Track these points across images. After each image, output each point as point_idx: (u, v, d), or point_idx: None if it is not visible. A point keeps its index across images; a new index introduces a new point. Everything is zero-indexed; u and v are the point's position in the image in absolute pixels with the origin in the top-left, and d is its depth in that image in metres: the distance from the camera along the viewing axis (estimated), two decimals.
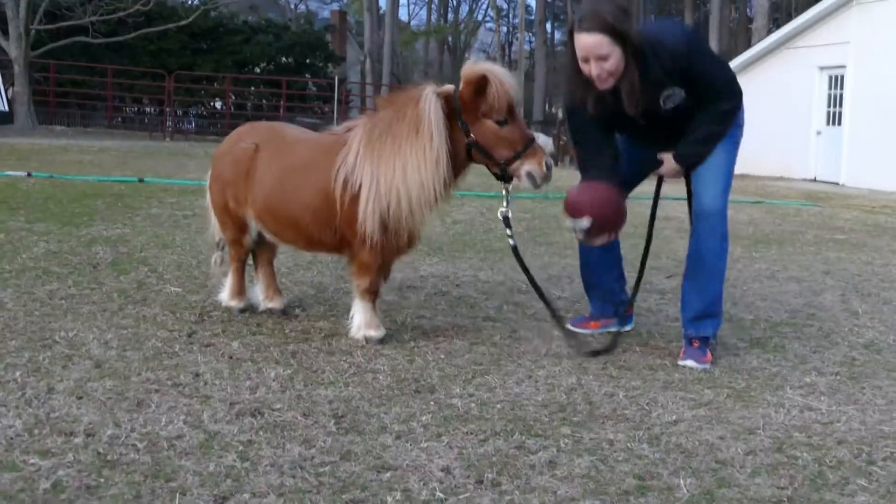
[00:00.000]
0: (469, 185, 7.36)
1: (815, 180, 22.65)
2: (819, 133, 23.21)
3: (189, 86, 30.02)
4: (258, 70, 33.70)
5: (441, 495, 3.10)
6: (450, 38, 63.83)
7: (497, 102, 4.55)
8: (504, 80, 4.57)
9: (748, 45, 28.41)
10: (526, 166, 4.64)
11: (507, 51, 60.84)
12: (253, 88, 33.07)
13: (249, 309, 5.42)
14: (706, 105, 4.77)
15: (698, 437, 3.78)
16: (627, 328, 5.42)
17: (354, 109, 36.44)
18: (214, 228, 5.49)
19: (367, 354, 4.70)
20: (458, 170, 4.76)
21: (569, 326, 5.40)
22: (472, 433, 3.68)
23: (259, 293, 5.45)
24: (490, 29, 60.85)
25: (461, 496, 3.11)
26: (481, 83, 4.55)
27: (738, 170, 18.11)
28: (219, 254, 5.54)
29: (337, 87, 30.37)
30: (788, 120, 23.64)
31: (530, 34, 53.07)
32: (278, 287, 5.54)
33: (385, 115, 4.77)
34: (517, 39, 49.78)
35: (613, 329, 5.35)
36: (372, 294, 4.94)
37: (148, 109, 32.98)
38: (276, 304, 5.43)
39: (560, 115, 56.10)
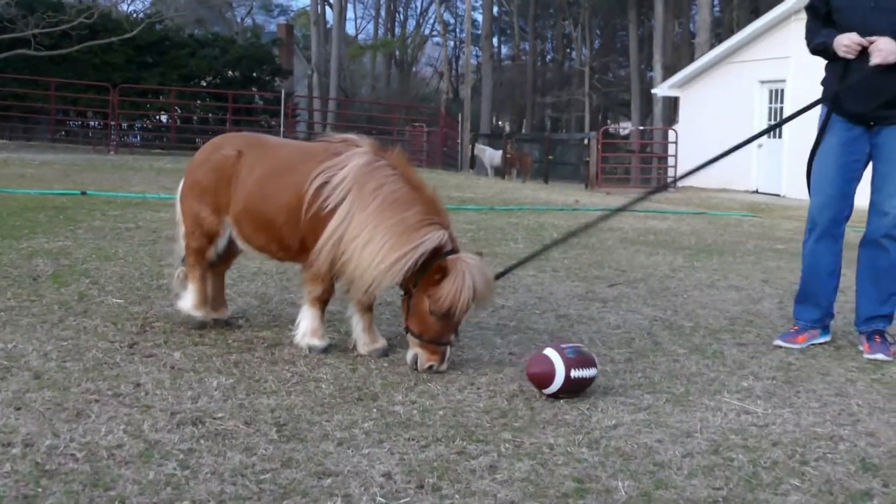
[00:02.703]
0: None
1: (756, 192, 23.02)
2: (760, 146, 23.57)
3: (134, 99, 29.72)
4: (204, 84, 33.47)
5: (382, 500, 3.12)
6: (397, 52, 63.91)
7: (440, 303, 4.50)
8: (461, 294, 4.48)
9: (691, 60, 28.82)
10: (419, 350, 4.63)
11: (454, 65, 61.07)
12: (199, 102, 32.80)
13: (215, 320, 5.35)
14: None
15: (637, 440, 3.83)
16: (828, 338, 5.69)
17: (302, 123, 36.37)
18: (181, 241, 5.38)
19: (310, 364, 4.71)
20: None
21: (777, 342, 5.57)
22: (413, 439, 3.71)
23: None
24: (437, 43, 61.04)
25: (402, 501, 3.13)
26: (441, 276, 4.52)
27: (680, 182, 18.33)
28: (182, 269, 5.40)
29: (284, 100, 30.24)
30: (730, 133, 23.79)
31: (477, 48, 53.33)
32: (224, 299, 5.53)
33: (390, 181, 4.69)
34: (464, 54, 50.07)
35: (819, 341, 5.61)
36: (321, 302, 4.93)
37: (92, 123, 32.58)
38: (220, 314, 5.39)
39: (507, 128, 56.51)
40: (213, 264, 5.35)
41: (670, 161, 25.68)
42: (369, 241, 4.54)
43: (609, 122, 55.18)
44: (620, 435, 3.89)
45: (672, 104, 32.46)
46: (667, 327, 5.92)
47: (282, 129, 29.31)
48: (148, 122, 33.10)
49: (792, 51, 22.20)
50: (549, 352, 4.35)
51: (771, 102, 23.44)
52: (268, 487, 3.17)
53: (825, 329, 5.67)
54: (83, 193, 12.20)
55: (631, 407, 4.28)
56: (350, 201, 4.62)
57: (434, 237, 4.56)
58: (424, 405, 4.16)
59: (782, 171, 22.45)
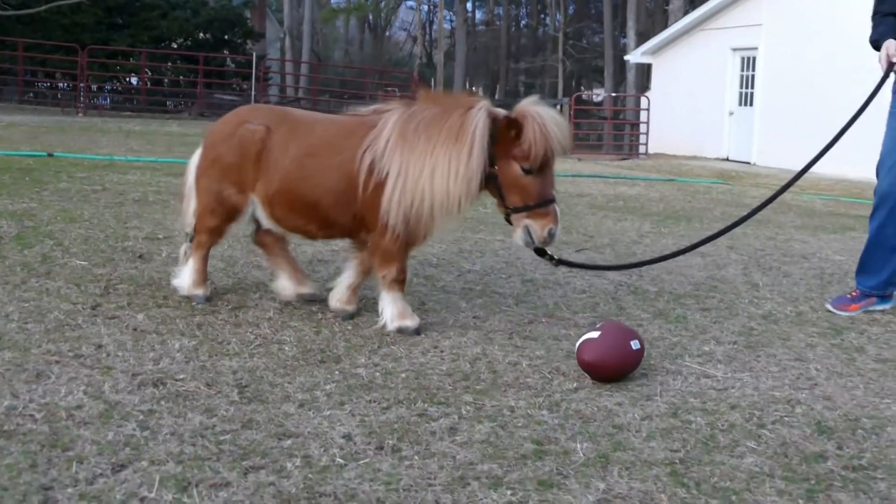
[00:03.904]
0: None
1: (727, 159, 23.08)
2: (732, 113, 23.65)
3: (104, 61, 29.34)
4: (175, 46, 33.10)
5: (341, 461, 3.14)
6: (370, 16, 63.42)
7: (531, 152, 4.37)
8: (546, 132, 4.36)
9: (665, 27, 28.75)
10: (529, 221, 4.48)
11: (427, 30, 60.74)
12: (170, 64, 32.46)
13: (213, 297, 5.18)
14: None
15: (597, 403, 3.87)
16: (888, 305, 5.78)
17: (274, 87, 36.09)
18: (189, 217, 5.16)
19: (274, 326, 4.71)
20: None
21: (828, 307, 5.68)
22: (375, 401, 3.72)
23: (286, 282, 5.15)
24: (411, 7, 60.68)
25: (361, 461, 3.15)
26: (519, 128, 4.40)
27: (652, 149, 18.43)
28: (188, 245, 5.21)
29: (255, 63, 29.97)
30: (702, 100, 24.06)
31: (451, 13, 53.06)
32: (304, 270, 5.36)
33: (425, 112, 4.59)
34: (438, 18, 49.82)
35: (877, 308, 5.71)
36: (399, 283, 4.77)
37: (61, 84, 32.17)
38: (308, 288, 5.17)
39: (480, 94, 56.27)
40: (269, 244, 5.20)
41: (642, 128, 25.71)
42: (434, 169, 4.42)
43: (582, 88, 55.08)
44: (581, 398, 3.93)
45: (645, 71, 32.44)
46: (632, 292, 5.95)
47: (253, 92, 29.07)
48: (118, 84, 32.71)
49: (764, 19, 22.28)
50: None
51: (743, 70, 23.46)
52: (227, 448, 3.18)
53: (883, 297, 5.74)
54: (50, 155, 12.07)
55: None
56: (399, 153, 4.51)
57: (479, 113, 4.43)
58: (387, 368, 4.17)
59: (753, 139, 22.53)
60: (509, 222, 4.63)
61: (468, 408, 3.72)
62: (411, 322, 4.75)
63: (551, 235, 4.48)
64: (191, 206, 5.13)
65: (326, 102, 31.82)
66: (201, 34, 33.38)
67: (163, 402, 3.55)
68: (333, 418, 3.51)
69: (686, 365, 4.46)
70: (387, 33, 65.71)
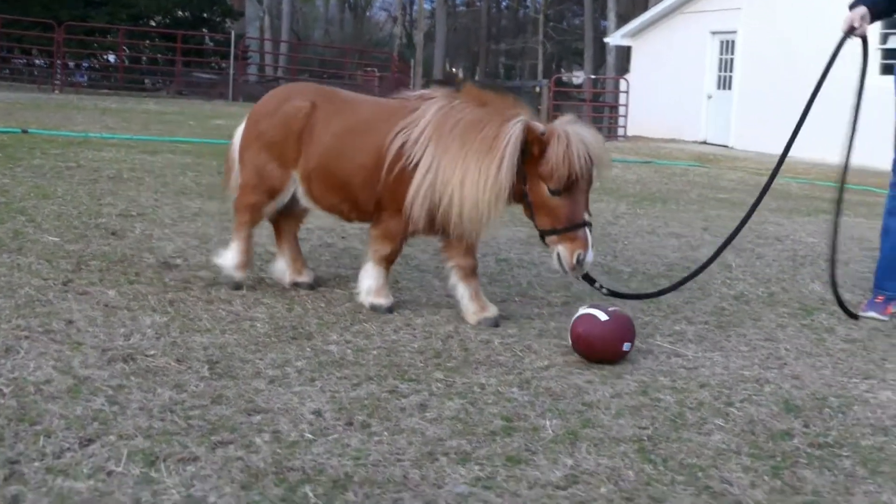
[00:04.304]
0: None
1: (705, 142, 23.16)
2: (710, 97, 23.72)
3: (81, 38, 29.12)
4: (153, 24, 32.89)
5: (310, 436, 3.14)
6: None
7: (554, 173, 4.22)
8: (570, 152, 4.20)
9: (645, 9, 28.75)
10: (560, 247, 4.32)
11: (408, 10, 60.51)
12: (148, 42, 32.25)
13: (296, 283, 5.07)
14: None
15: (568, 381, 3.89)
16: None
17: (253, 66, 35.91)
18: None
19: (247, 303, 4.70)
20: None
21: (870, 314, 5.31)
22: (345, 378, 3.73)
23: (284, 267, 5.11)
24: None
25: (330, 437, 3.15)
26: (544, 146, 4.26)
27: (630, 131, 18.49)
28: None
29: (234, 42, 29.81)
30: (681, 83, 24.11)
31: None
32: (304, 259, 5.26)
33: (464, 111, 4.48)
34: None
35: None
36: (388, 262, 4.75)
37: (38, 61, 31.90)
38: (305, 277, 5.12)
39: (460, 75, 56.24)
40: (282, 225, 5.14)
41: (621, 111, 25.75)
42: (464, 176, 4.31)
43: (563, 70, 55.09)
44: (552, 376, 3.94)
45: (625, 54, 32.46)
46: (605, 272, 5.97)
47: (231, 71, 28.92)
48: (95, 61, 32.47)
49: (743, 2, 22.32)
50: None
51: (722, 53, 23.52)
52: (196, 423, 3.17)
53: None
54: (24, 132, 11.98)
55: (564, 348, 4.33)
56: (432, 149, 4.42)
57: (514, 126, 4.28)
58: (359, 345, 4.18)
59: (731, 123, 22.62)
60: (545, 244, 4.49)
61: (439, 385, 3.73)
62: (385, 300, 4.74)
63: (580, 262, 4.27)
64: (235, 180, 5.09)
65: (306, 82, 31.69)
66: (180, 12, 33.20)
67: (132, 378, 3.54)
68: (304, 394, 3.52)
69: (657, 344, 4.48)
70: (367, 13, 65.56)
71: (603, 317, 4.14)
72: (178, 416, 3.22)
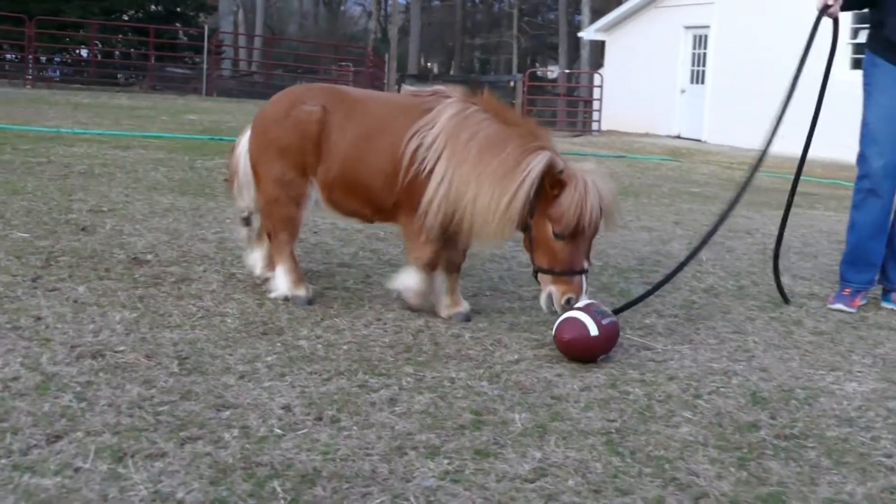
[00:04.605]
0: None
1: (679, 137, 23.27)
2: (683, 91, 23.82)
3: (53, 32, 28.88)
4: (126, 18, 32.67)
5: (279, 431, 3.15)
6: None
7: (563, 219, 4.12)
8: (585, 202, 4.11)
9: (619, 4, 28.83)
10: (551, 287, 4.22)
11: (383, 4, 60.38)
12: (121, 37, 32.04)
13: (315, 299, 4.83)
14: None
15: (537, 374, 3.91)
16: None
17: (227, 60, 35.75)
18: (244, 202, 4.97)
19: (217, 299, 4.70)
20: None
21: (830, 306, 5.38)
22: (315, 373, 3.73)
23: (259, 259, 4.99)
24: None
25: (299, 432, 3.15)
26: (561, 189, 4.16)
27: (604, 126, 18.56)
28: (248, 230, 5.05)
29: (208, 37, 29.67)
30: (654, 77, 24.20)
31: None
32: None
33: (482, 124, 4.36)
34: None
35: (864, 302, 5.46)
36: (431, 267, 4.58)
37: (9, 56, 31.63)
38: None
39: (435, 69, 56.18)
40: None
41: (595, 105, 25.82)
42: (477, 195, 4.19)
43: (537, 65, 55.15)
44: (522, 369, 3.96)
45: (599, 48, 32.55)
46: None
47: (205, 66, 28.78)
48: (67, 56, 32.25)
49: None
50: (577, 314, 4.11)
51: (695, 48, 23.63)
52: (165, 419, 3.17)
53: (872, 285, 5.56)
54: None
55: (534, 342, 4.35)
56: (447, 158, 4.31)
57: (539, 161, 4.16)
58: (329, 339, 4.18)
59: (704, 117, 22.73)
60: (536, 280, 4.41)
61: (409, 379, 3.74)
62: (422, 302, 4.66)
63: (568, 304, 4.18)
64: (245, 191, 4.92)
65: (280, 77, 31.59)
66: (153, 6, 33.00)
67: (101, 374, 3.53)
68: (273, 389, 3.52)
69: (627, 337, 4.51)
70: (341, 8, 65.35)
71: (593, 331, 4.03)
72: (147, 412, 3.21)
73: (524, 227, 4.30)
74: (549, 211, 4.17)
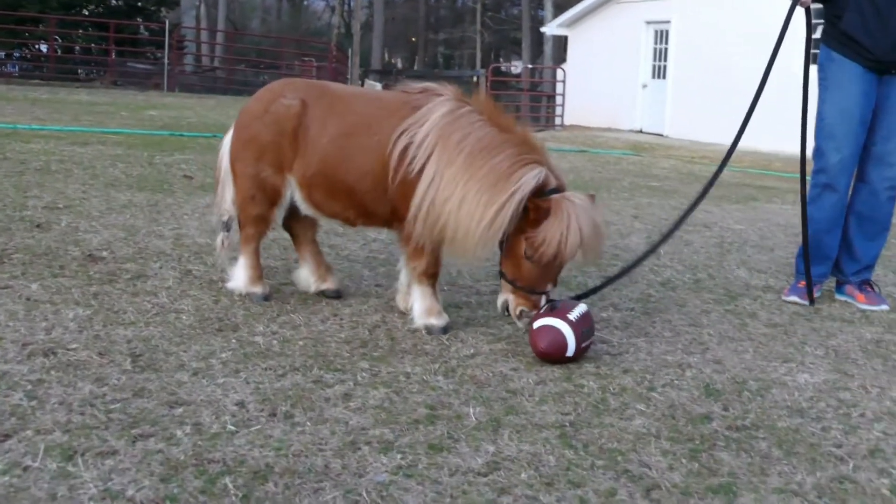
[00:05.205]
0: None
1: (641, 131, 23.40)
2: (645, 86, 23.95)
3: (11, 27, 28.55)
4: (86, 12, 32.31)
5: (232, 428, 3.13)
6: None
7: (538, 246, 3.97)
8: (567, 238, 3.93)
9: None
10: (510, 295, 4.14)
11: (346, 0, 60.19)
12: (81, 31, 31.70)
13: (272, 295, 4.81)
14: None
15: (493, 368, 3.92)
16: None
17: (189, 55, 35.47)
18: (225, 204, 4.80)
19: (173, 295, 4.66)
20: None
21: (792, 298, 5.41)
22: (270, 369, 3.72)
23: (308, 275, 4.86)
24: None
25: (252, 428, 3.15)
26: (541, 218, 3.99)
27: (568, 120, 18.61)
28: (224, 234, 4.85)
29: (169, 32, 29.42)
30: (617, 73, 24.32)
31: None
32: (329, 265, 4.98)
33: (475, 126, 4.19)
34: None
35: (818, 294, 5.48)
36: (430, 277, 4.40)
37: None
38: (330, 284, 4.85)
39: (399, 65, 56.13)
40: (295, 230, 4.92)
41: (558, 100, 25.90)
42: (462, 200, 4.01)
43: (501, 60, 55.21)
44: (477, 364, 3.97)
45: (562, 43, 32.65)
46: None
47: (166, 61, 28.55)
48: (27, 51, 31.85)
49: None
50: (556, 322, 4.01)
51: (656, 43, 23.76)
52: (117, 417, 3.15)
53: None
54: None
55: (490, 337, 4.36)
56: (436, 159, 4.12)
57: (530, 177, 4.00)
58: (285, 335, 4.17)
59: (665, 112, 22.87)
60: (501, 277, 4.26)
61: (364, 374, 3.74)
62: (437, 321, 4.40)
63: (521, 316, 4.11)
64: (227, 192, 4.77)
65: (243, 72, 31.43)
66: (113, 1, 32.65)
67: (52, 372, 3.50)
68: (227, 386, 3.50)
69: None
70: (305, 2, 65.10)
71: (570, 349, 3.97)
72: (99, 410, 3.19)
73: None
74: (527, 232, 4.02)
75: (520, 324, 4.18)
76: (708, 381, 3.92)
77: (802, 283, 5.40)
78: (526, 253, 4.03)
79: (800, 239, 5.52)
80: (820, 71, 5.40)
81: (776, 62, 5.26)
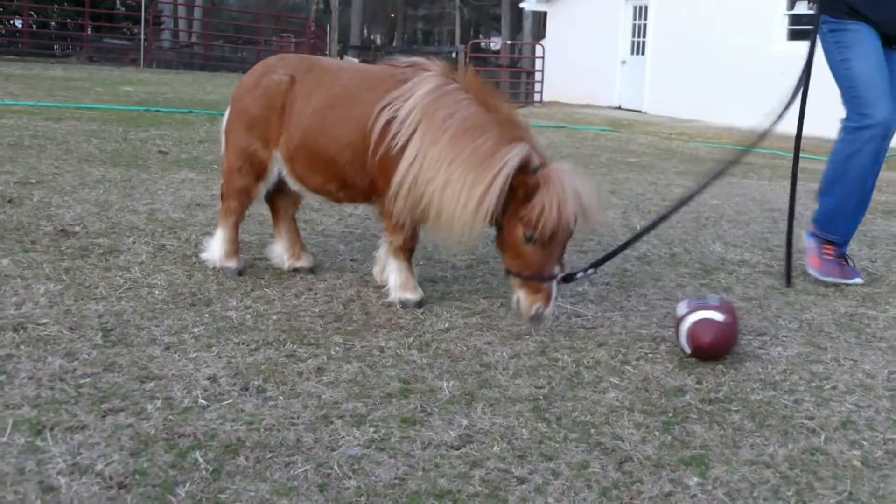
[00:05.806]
0: None
1: (619, 108, 23.40)
2: (624, 62, 23.93)
3: None
4: None
5: (203, 402, 3.11)
6: None
7: (535, 223, 3.82)
8: (562, 208, 3.79)
9: None
10: (521, 293, 3.96)
11: None
12: (56, 7, 31.39)
13: (247, 270, 4.79)
14: None
15: (467, 342, 3.91)
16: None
17: (166, 31, 35.19)
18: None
19: (145, 270, 4.63)
20: None
21: (824, 277, 5.28)
22: (243, 343, 3.70)
23: (283, 252, 4.85)
24: None
25: (224, 402, 3.13)
26: (531, 192, 3.86)
27: (547, 97, 18.58)
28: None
29: (146, 7, 29.16)
30: (595, 49, 24.29)
31: None
32: (303, 244, 4.95)
33: (461, 104, 4.08)
34: None
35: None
36: (406, 251, 4.37)
37: None
38: (304, 262, 4.84)
39: (377, 41, 55.87)
40: (279, 206, 4.86)
41: (537, 76, 25.85)
42: (447, 181, 3.92)
43: (480, 36, 55.06)
44: (452, 338, 3.96)
45: (542, 19, 32.56)
46: None
47: (142, 37, 28.30)
48: (1, 27, 31.52)
49: None
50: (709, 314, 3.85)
51: (635, 19, 23.73)
52: (87, 391, 3.12)
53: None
54: None
55: (465, 311, 4.35)
56: (420, 136, 4.03)
57: (515, 154, 3.88)
58: (259, 310, 4.14)
59: (644, 88, 22.87)
60: (507, 275, 4.11)
61: (338, 348, 3.72)
62: (413, 295, 4.38)
63: (538, 316, 3.93)
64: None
65: (220, 48, 31.20)
66: None
67: (22, 347, 3.47)
68: (199, 360, 3.48)
69: (558, 305, 4.50)
70: None
71: (718, 315, 3.84)
72: (68, 385, 3.17)
73: (497, 226, 4.05)
74: (521, 212, 3.88)
75: (535, 325, 4.09)
76: (682, 354, 3.92)
77: (829, 250, 5.33)
78: (525, 234, 3.89)
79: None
80: (832, 36, 5.19)
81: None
